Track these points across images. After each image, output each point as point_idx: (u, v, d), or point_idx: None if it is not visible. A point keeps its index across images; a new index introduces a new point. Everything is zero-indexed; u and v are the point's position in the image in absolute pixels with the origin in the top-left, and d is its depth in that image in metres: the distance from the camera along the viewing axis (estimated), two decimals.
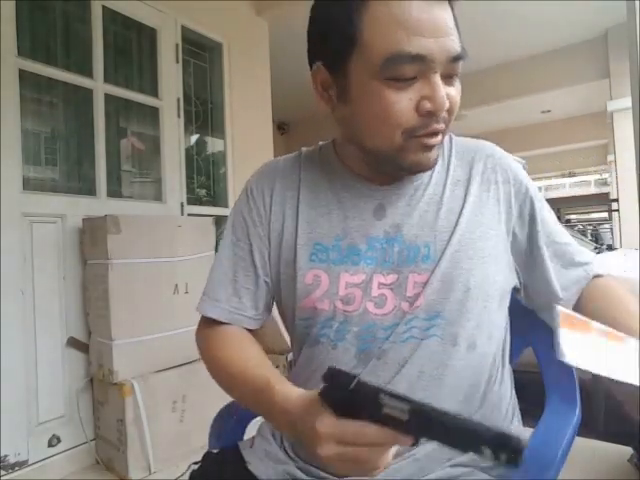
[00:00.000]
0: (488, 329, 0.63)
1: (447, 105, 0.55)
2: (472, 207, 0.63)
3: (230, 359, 0.64)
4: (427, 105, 0.54)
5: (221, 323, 0.68)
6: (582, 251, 0.70)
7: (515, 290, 0.69)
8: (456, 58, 0.55)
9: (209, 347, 0.68)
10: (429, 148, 0.58)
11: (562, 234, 0.69)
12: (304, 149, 0.74)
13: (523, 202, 0.66)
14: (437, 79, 0.54)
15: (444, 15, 0.54)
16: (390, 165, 0.61)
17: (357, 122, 0.59)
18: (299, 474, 0.63)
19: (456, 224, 0.62)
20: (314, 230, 0.65)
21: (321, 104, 0.62)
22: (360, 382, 0.39)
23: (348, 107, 0.59)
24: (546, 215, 0.68)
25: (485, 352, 0.62)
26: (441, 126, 0.57)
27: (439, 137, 0.58)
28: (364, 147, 0.61)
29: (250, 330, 0.70)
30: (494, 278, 0.63)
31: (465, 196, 0.64)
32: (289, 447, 0.66)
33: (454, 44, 0.55)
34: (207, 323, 0.70)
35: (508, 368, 0.70)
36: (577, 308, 0.66)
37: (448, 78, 0.56)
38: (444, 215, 0.63)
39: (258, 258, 0.68)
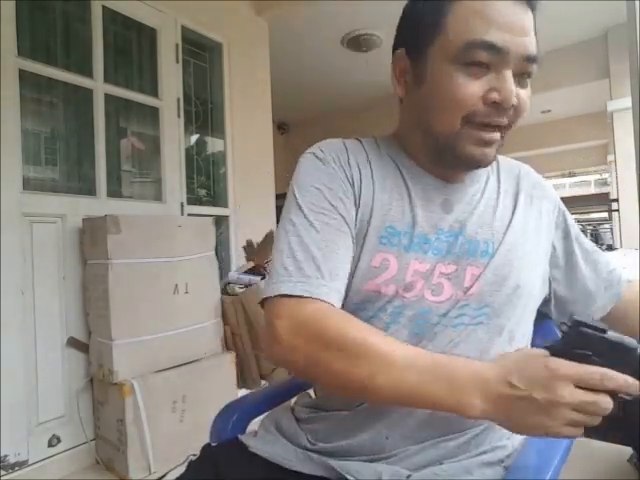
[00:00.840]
0: (525, 327, 0.69)
1: (514, 101, 0.57)
2: (520, 216, 0.69)
3: (371, 340, 0.52)
4: (494, 95, 0.57)
5: (312, 300, 0.55)
6: (609, 259, 0.78)
7: (544, 302, 0.75)
8: (530, 58, 0.58)
9: (328, 326, 0.53)
10: (487, 143, 0.60)
11: (590, 244, 0.78)
12: (363, 138, 0.72)
13: (558, 218, 0.75)
14: (508, 74, 0.57)
15: (524, 16, 0.59)
16: (449, 154, 0.63)
17: (426, 104, 0.63)
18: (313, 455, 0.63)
19: (508, 226, 0.68)
20: (389, 213, 0.65)
21: (398, 88, 0.66)
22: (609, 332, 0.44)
23: (421, 90, 0.63)
24: (577, 229, 0.77)
25: (519, 347, 0.64)
26: (503, 121, 0.59)
27: (498, 134, 0.61)
28: (428, 131, 0.64)
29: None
30: (535, 282, 0.69)
31: (514, 206, 0.70)
32: (308, 435, 0.67)
33: (531, 44, 0.59)
34: (289, 305, 0.55)
35: None
36: (613, 311, 0.75)
37: (520, 78, 0.59)
38: (499, 217, 0.68)
39: (350, 222, 0.62)
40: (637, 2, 1.41)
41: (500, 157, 0.74)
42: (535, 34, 0.60)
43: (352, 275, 0.61)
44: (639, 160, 1.50)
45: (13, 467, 1.72)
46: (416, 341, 0.61)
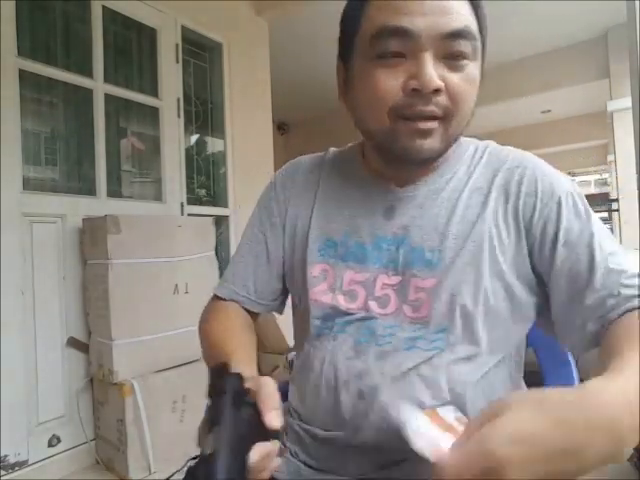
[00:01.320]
0: (497, 345, 0.59)
1: (435, 85, 0.52)
2: (489, 217, 0.59)
3: (215, 329, 0.68)
4: (412, 83, 0.52)
5: (224, 301, 0.73)
6: (628, 282, 0.52)
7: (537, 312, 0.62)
8: (454, 34, 0.52)
9: (202, 318, 0.74)
10: (422, 134, 0.55)
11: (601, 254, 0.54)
12: (332, 149, 0.75)
13: (548, 218, 0.57)
14: (425, 57, 0.52)
15: None
16: (388, 152, 0.60)
17: (356, 107, 0.60)
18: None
19: (469, 234, 0.58)
20: (326, 225, 0.66)
21: (340, 98, 0.64)
22: None
23: (351, 94, 0.61)
24: (577, 234, 0.56)
25: (494, 369, 0.59)
26: (431, 109, 0.53)
27: (435, 123, 0.54)
28: (365, 132, 0.61)
29: (255, 315, 0.74)
30: (506, 294, 0.58)
31: (483, 205, 0.60)
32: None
33: (450, 22, 0.52)
34: (213, 300, 0.76)
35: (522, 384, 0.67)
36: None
37: (450, 61, 0.53)
38: (457, 222, 0.59)
39: (272, 247, 0.71)
40: (637, 2, 1.41)
41: (494, 149, 0.65)
42: (478, 11, 0.55)
43: (301, 286, 0.67)
44: (639, 160, 1.50)
45: (13, 467, 1.72)
46: (363, 352, 0.60)
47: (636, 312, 0.50)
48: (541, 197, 0.59)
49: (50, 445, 1.85)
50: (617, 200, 4.19)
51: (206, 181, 2.78)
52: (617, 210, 4.33)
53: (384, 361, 0.58)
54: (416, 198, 0.63)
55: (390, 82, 0.54)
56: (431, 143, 0.56)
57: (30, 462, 1.78)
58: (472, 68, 0.55)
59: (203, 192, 2.74)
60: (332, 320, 0.63)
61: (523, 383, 0.67)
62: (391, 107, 0.54)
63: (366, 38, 0.55)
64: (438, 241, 0.59)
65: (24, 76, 1.85)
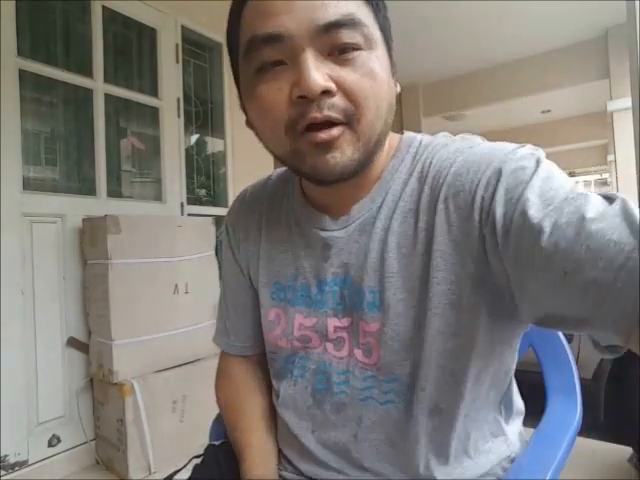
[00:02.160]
0: (458, 389, 0.51)
1: (322, 86, 0.43)
2: (423, 241, 0.49)
3: (225, 409, 0.72)
4: (296, 90, 0.44)
5: (230, 355, 0.73)
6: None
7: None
8: (330, 26, 0.44)
9: (216, 380, 0.76)
10: (326, 146, 0.46)
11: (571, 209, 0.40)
12: (276, 171, 0.69)
13: (491, 208, 0.44)
14: (304, 58, 0.44)
15: None
16: (304, 177, 0.53)
17: (257, 132, 0.53)
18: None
19: (405, 267, 0.50)
20: (273, 269, 0.62)
21: (247, 126, 0.56)
22: None
23: (249, 119, 0.54)
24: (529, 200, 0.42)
25: (456, 414, 0.52)
26: (326, 114, 0.45)
27: (334, 130, 0.45)
28: (276, 157, 0.53)
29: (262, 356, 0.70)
30: (461, 328, 0.49)
31: (414, 228, 0.50)
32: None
33: (324, 14, 0.44)
34: (222, 355, 0.75)
35: (515, 409, 0.63)
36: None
37: (338, 56, 0.45)
38: (391, 255, 0.51)
39: (241, 291, 0.69)
40: (637, 2, 1.41)
41: (433, 147, 0.53)
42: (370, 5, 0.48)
43: (264, 328, 0.65)
44: (639, 160, 1.50)
45: (13, 467, 1.72)
46: (320, 400, 0.57)
47: None
48: (486, 185, 0.45)
49: (50, 445, 1.85)
50: None
51: (206, 181, 2.78)
52: None
53: (344, 413, 0.56)
54: (350, 232, 0.54)
55: (275, 96, 0.46)
56: (341, 155, 0.46)
57: (30, 462, 1.78)
58: (368, 59, 0.46)
59: (203, 192, 2.74)
60: (292, 363, 0.60)
61: (514, 389, 0.62)
62: (285, 124, 0.46)
63: (242, 54, 0.48)
64: (376, 280, 0.52)
65: (24, 76, 1.85)
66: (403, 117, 5.22)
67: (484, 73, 4.68)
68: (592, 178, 10.20)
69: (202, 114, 2.74)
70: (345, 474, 0.57)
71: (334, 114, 0.45)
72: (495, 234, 0.43)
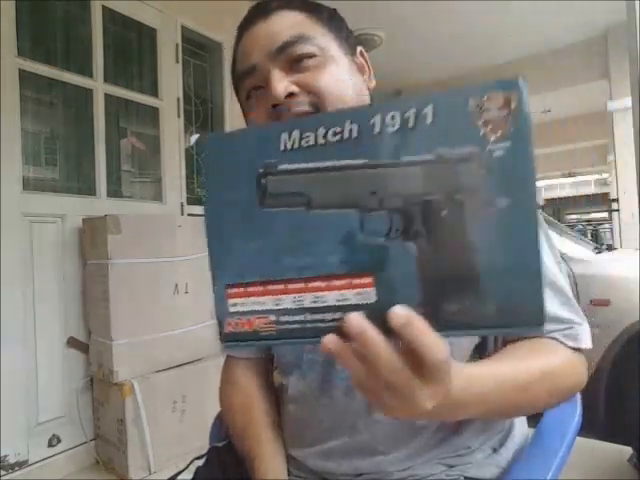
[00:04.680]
0: None
1: (285, 90, 0.53)
2: None
3: (230, 414, 0.69)
4: (270, 100, 0.55)
5: (234, 358, 0.73)
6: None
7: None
8: (284, 47, 0.55)
9: (220, 384, 0.74)
10: None
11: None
12: None
13: None
14: (270, 77, 0.55)
15: (265, 21, 0.57)
16: None
17: None
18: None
19: None
20: None
21: None
22: None
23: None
24: None
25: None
26: (299, 109, 0.54)
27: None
28: None
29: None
30: None
31: None
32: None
33: (279, 38, 0.55)
34: (226, 360, 0.74)
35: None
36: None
37: (297, 65, 0.55)
38: None
39: None
40: (637, 2, 1.41)
41: None
42: (317, 14, 0.58)
43: None
44: (639, 160, 1.50)
45: (13, 467, 1.72)
46: (327, 389, 0.59)
47: None
48: None
49: (50, 445, 1.85)
50: (617, 200, 4.20)
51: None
52: (617, 210, 4.33)
53: (353, 393, 0.57)
54: None
55: (260, 116, 0.57)
56: None
57: (30, 462, 1.78)
58: (324, 60, 0.56)
59: (203, 192, 2.74)
60: (300, 358, 0.62)
61: None
62: None
63: (235, 84, 0.62)
64: None
65: (24, 76, 1.85)
66: None
67: (484, 73, 4.68)
68: (592, 178, 10.19)
69: (202, 114, 2.73)
70: (355, 466, 0.58)
71: (301, 108, 0.54)
72: None
